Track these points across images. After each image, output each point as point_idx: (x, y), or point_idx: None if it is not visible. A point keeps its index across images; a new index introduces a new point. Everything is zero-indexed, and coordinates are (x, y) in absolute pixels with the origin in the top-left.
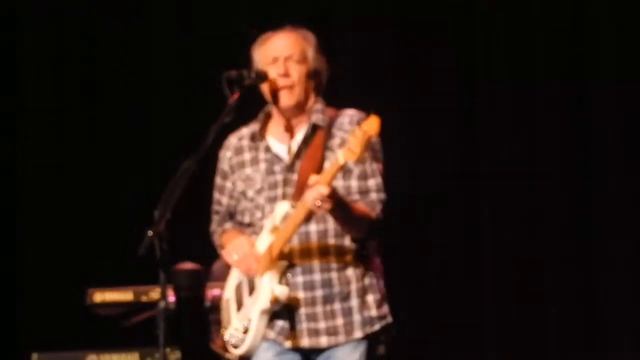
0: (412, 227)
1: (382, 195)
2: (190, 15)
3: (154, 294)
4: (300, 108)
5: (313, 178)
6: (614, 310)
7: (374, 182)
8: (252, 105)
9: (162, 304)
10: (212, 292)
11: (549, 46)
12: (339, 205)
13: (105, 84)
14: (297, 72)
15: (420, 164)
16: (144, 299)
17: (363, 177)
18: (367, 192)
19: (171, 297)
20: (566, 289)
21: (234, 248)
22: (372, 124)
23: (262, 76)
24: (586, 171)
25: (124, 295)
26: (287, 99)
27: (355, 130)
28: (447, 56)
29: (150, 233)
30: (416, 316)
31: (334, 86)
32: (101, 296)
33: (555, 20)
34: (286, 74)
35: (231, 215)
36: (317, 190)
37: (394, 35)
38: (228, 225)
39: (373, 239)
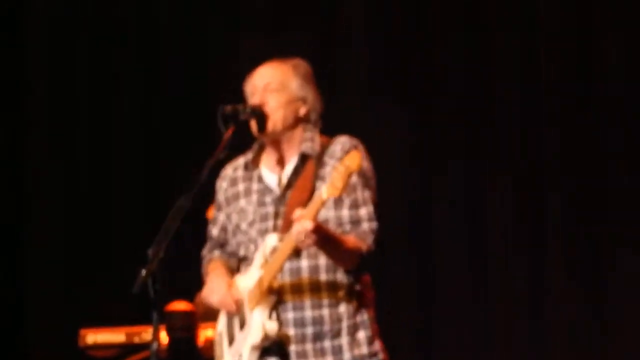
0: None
1: (374, 225)
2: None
3: (147, 335)
4: (282, 136)
5: (297, 212)
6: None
7: (365, 211)
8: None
9: (155, 345)
10: (205, 333)
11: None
12: (326, 239)
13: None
14: (274, 99)
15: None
16: (136, 340)
17: (354, 206)
18: (359, 221)
19: (164, 338)
20: (576, 310)
21: (211, 291)
22: (354, 158)
23: (258, 111)
24: (595, 175)
25: (116, 337)
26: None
27: (337, 166)
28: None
29: (143, 272)
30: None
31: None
32: (93, 337)
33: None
34: (262, 103)
35: (222, 245)
36: (301, 225)
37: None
38: (216, 253)
39: (366, 271)
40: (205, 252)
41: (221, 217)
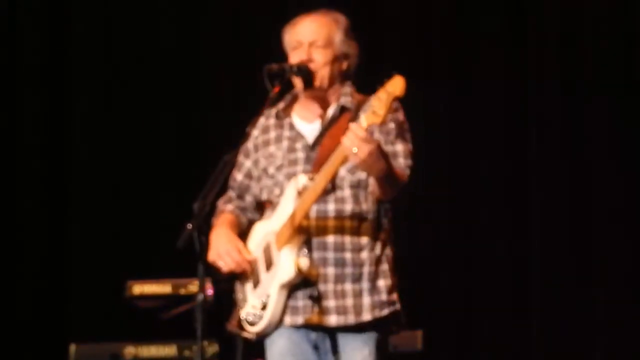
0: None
1: (410, 162)
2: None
3: (193, 286)
4: (325, 90)
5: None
6: None
7: (401, 148)
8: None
9: (200, 297)
10: None
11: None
12: (378, 154)
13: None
14: (321, 56)
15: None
16: (182, 291)
17: (391, 143)
18: (396, 156)
19: (209, 290)
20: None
21: (217, 250)
22: (397, 84)
23: (304, 69)
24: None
25: (162, 288)
26: (310, 82)
27: (379, 93)
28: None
29: (189, 226)
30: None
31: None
32: (140, 288)
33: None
34: (309, 60)
35: (240, 196)
36: (353, 132)
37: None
38: (229, 207)
39: (398, 205)
40: (220, 202)
41: (247, 163)
